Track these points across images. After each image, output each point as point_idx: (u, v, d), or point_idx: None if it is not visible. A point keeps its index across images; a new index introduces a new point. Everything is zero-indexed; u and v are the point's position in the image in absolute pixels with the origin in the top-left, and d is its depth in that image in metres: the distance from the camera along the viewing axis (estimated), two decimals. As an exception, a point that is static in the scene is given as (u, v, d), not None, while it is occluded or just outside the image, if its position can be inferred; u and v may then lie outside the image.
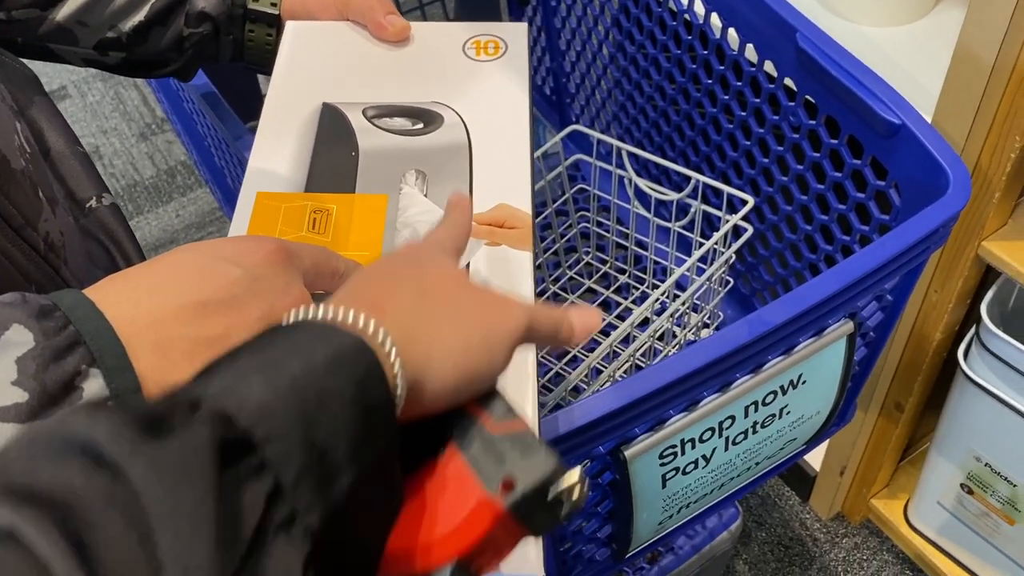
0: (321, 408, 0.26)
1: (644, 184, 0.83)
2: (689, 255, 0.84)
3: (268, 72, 0.60)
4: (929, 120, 0.76)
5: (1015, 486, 0.92)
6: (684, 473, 0.61)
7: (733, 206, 0.78)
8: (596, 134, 0.85)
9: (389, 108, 0.55)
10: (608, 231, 0.92)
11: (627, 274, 0.92)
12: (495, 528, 0.31)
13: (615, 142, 0.84)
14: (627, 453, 0.56)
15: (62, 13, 0.57)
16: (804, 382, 0.62)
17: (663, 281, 0.88)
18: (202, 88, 0.70)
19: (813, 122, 0.68)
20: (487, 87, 0.57)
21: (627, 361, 0.76)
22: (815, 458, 1.15)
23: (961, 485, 0.98)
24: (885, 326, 0.67)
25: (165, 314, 0.33)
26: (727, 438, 0.61)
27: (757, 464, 0.67)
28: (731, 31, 0.73)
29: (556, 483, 0.31)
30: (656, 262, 0.89)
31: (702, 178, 0.79)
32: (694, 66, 0.79)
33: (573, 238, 0.94)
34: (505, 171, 0.52)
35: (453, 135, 0.54)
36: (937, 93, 0.75)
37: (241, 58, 0.62)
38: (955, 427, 0.95)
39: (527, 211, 0.51)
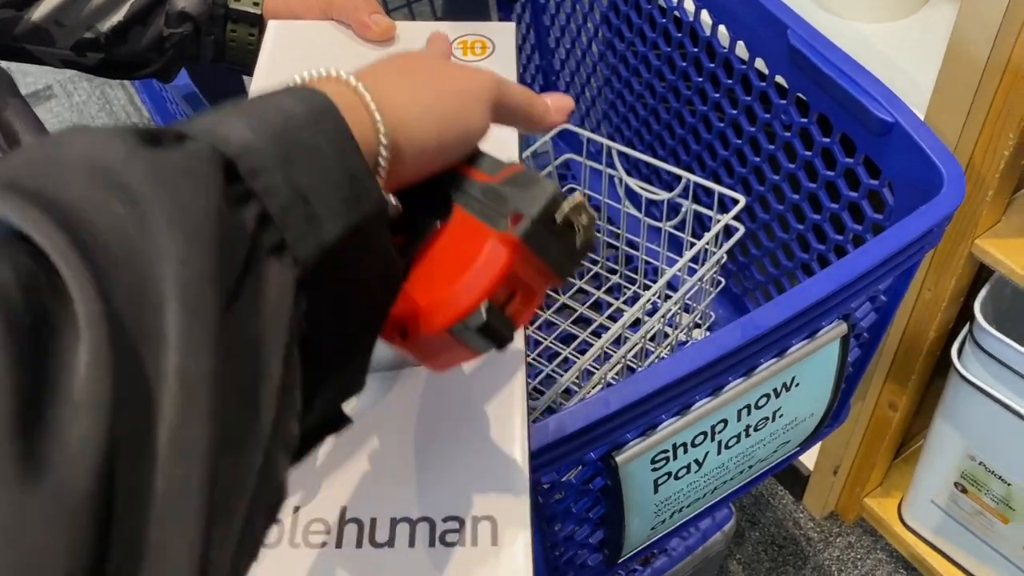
0: (302, 156, 0.27)
1: (634, 183, 0.83)
2: (680, 255, 0.83)
3: (251, 72, 0.59)
4: (922, 117, 0.76)
5: (1009, 485, 0.92)
6: (676, 478, 0.60)
7: (724, 205, 0.77)
8: (586, 133, 0.84)
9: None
10: (599, 231, 0.91)
11: (618, 274, 0.92)
12: (514, 263, 0.32)
13: (605, 141, 0.83)
14: (618, 459, 0.55)
15: (38, 13, 0.56)
16: (797, 384, 0.61)
17: (655, 281, 0.88)
18: (184, 89, 0.69)
19: (805, 120, 0.68)
20: (474, 87, 0.55)
21: (618, 363, 0.75)
22: (809, 457, 1.15)
23: (955, 484, 0.98)
24: (879, 327, 0.66)
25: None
26: (720, 442, 0.60)
27: (751, 467, 0.67)
28: (721, 28, 0.72)
29: (560, 205, 0.32)
30: (647, 262, 0.88)
31: (693, 177, 0.78)
32: (684, 63, 0.78)
33: (563, 238, 0.93)
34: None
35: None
36: (930, 89, 0.74)
37: (223, 58, 0.61)
38: (949, 426, 0.95)
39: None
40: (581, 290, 0.92)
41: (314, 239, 0.27)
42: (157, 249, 0.23)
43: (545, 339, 0.88)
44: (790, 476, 1.20)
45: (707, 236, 0.75)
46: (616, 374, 0.78)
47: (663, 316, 0.76)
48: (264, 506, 0.26)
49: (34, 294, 0.21)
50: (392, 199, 0.34)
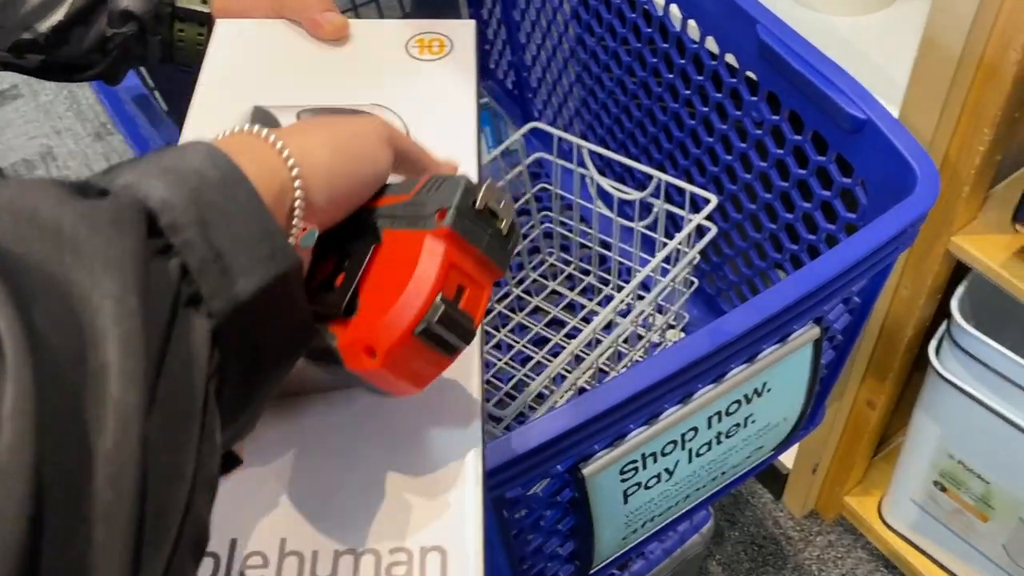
0: (216, 217, 0.28)
1: (606, 183, 0.81)
2: (654, 254, 0.81)
3: (203, 73, 0.56)
4: (897, 112, 0.74)
5: (988, 483, 0.91)
6: (646, 488, 0.58)
7: (696, 205, 0.76)
8: (556, 132, 0.82)
9: (325, 111, 0.52)
10: (572, 231, 0.89)
11: (591, 275, 0.90)
12: (452, 252, 0.33)
13: (576, 140, 0.81)
14: (585, 471, 0.53)
15: None
16: (769, 390, 0.59)
17: (628, 281, 0.86)
18: (133, 91, 0.67)
19: (776, 118, 0.66)
20: (431, 88, 0.53)
21: (591, 367, 0.74)
22: (788, 456, 1.14)
23: (934, 483, 0.97)
24: (853, 329, 0.65)
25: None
26: (690, 450, 0.58)
27: (723, 474, 0.65)
28: (691, 23, 0.70)
29: (477, 192, 0.34)
30: (620, 262, 0.87)
31: (664, 176, 0.76)
32: (655, 59, 0.76)
33: (536, 238, 0.91)
34: (450, 177, 0.49)
35: (394, 139, 0.51)
36: (905, 83, 0.73)
37: (171, 59, 0.59)
38: (927, 424, 0.94)
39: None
40: (554, 291, 0.90)
41: (228, 295, 0.28)
42: (92, 286, 0.24)
43: (518, 342, 0.86)
44: (769, 475, 1.19)
45: (679, 237, 0.74)
46: (589, 377, 0.76)
47: (636, 318, 0.75)
48: (190, 545, 0.25)
49: None
50: (312, 228, 0.35)
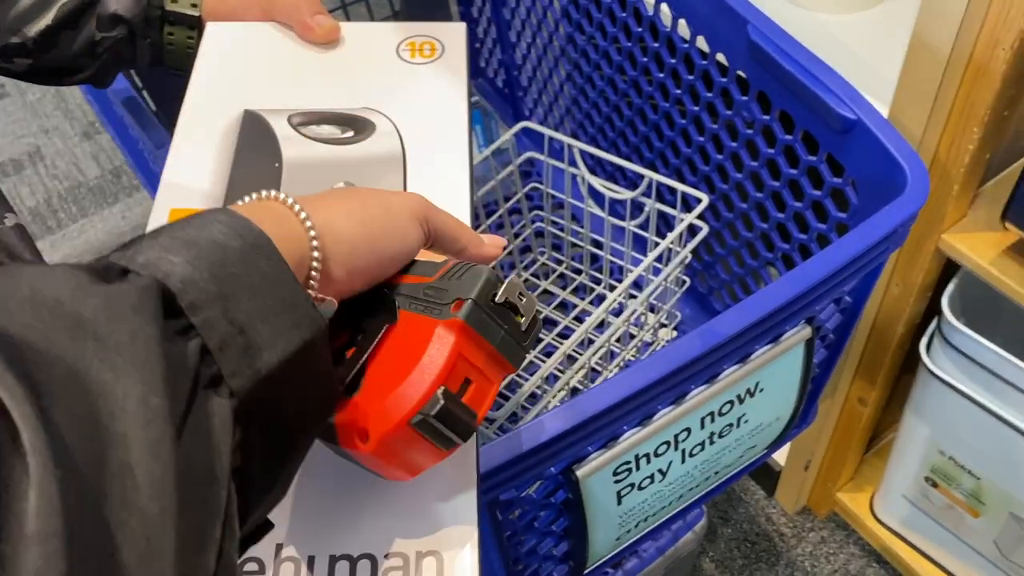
0: (238, 291, 0.28)
1: (597, 182, 0.81)
2: (646, 253, 0.81)
3: (192, 76, 0.56)
4: (887, 111, 0.74)
5: (979, 479, 0.91)
6: (640, 488, 0.58)
7: (688, 204, 0.76)
8: (547, 131, 0.82)
9: (316, 115, 0.52)
10: (563, 230, 0.89)
11: (583, 274, 0.90)
12: (462, 345, 0.32)
13: (567, 139, 0.81)
14: (579, 472, 0.53)
15: None
16: (762, 390, 0.59)
17: (620, 281, 0.86)
18: (122, 94, 0.66)
19: (767, 117, 0.66)
20: (422, 92, 0.53)
21: (583, 366, 0.74)
22: (780, 453, 1.14)
23: (925, 478, 0.97)
24: (844, 328, 0.65)
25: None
26: (683, 451, 0.59)
27: (716, 473, 0.65)
28: (682, 22, 0.70)
29: (498, 286, 0.33)
30: (612, 261, 0.87)
31: (655, 176, 0.76)
32: (645, 59, 0.76)
33: (528, 238, 0.91)
34: (442, 182, 0.49)
35: (386, 144, 0.51)
36: (895, 82, 0.73)
37: (161, 62, 0.58)
38: (918, 421, 0.94)
39: (466, 225, 0.48)
40: (546, 291, 0.90)
41: (250, 371, 0.28)
42: (115, 381, 0.24)
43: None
44: (762, 472, 1.19)
45: (671, 236, 0.74)
46: (582, 377, 0.76)
47: (628, 317, 0.75)
48: None
49: None
50: (329, 299, 0.34)
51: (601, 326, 0.81)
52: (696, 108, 0.73)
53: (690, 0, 0.68)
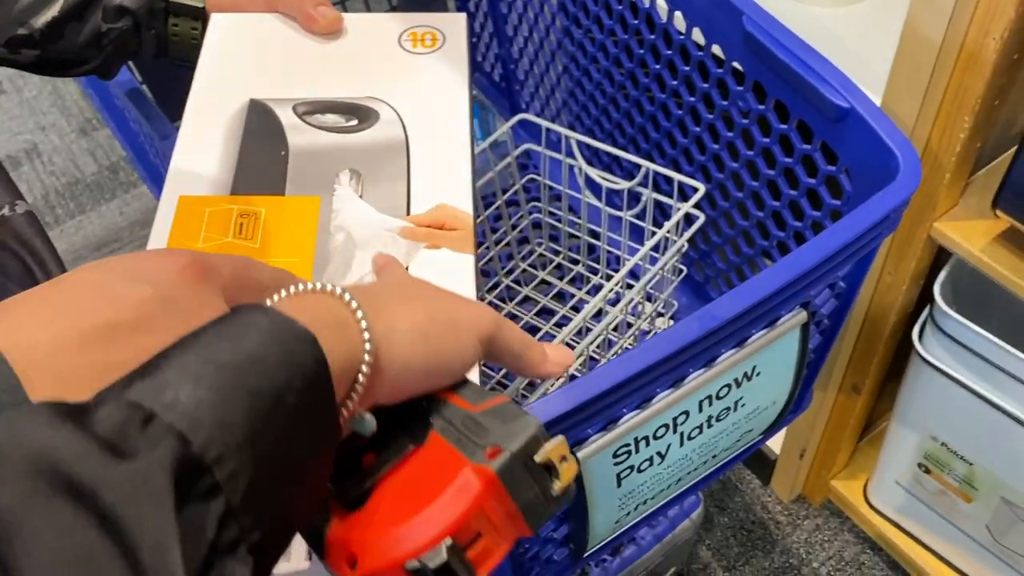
0: (271, 417, 0.26)
1: (594, 173, 0.82)
2: (642, 243, 0.82)
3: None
4: (879, 100, 0.75)
5: (971, 465, 0.92)
6: (639, 471, 0.59)
7: (684, 193, 0.77)
8: (544, 123, 0.83)
9: (321, 104, 0.52)
10: (560, 221, 0.90)
11: (580, 264, 0.91)
12: (485, 498, 0.29)
13: (564, 131, 0.82)
14: (579, 455, 0.54)
15: None
16: (758, 374, 0.60)
17: (617, 270, 0.87)
18: (126, 85, 0.67)
19: (762, 107, 0.67)
20: (424, 81, 0.54)
21: (581, 354, 0.75)
22: (775, 441, 1.15)
23: (919, 465, 0.99)
24: (839, 313, 0.66)
25: (68, 341, 0.29)
26: (682, 433, 0.60)
27: (714, 457, 0.66)
28: (678, 14, 0.71)
29: (541, 445, 0.31)
30: (609, 251, 0.88)
31: (652, 166, 0.77)
32: (641, 51, 0.77)
33: (525, 229, 0.92)
34: (445, 169, 0.50)
35: (389, 132, 0.52)
36: (887, 72, 0.74)
37: (165, 54, 0.59)
38: (911, 408, 0.95)
39: (468, 211, 0.49)
40: (544, 281, 0.91)
41: (267, 516, 0.26)
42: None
43: (508, 331, 0.87)
44: (757, 460, 1.20)
45: (667, 225, 0.75)
46: (579, 365, 0.77)
47: (625, 306, 0.76)
48: None
49: None
50: (368, 416, 0.32)
51: (598, 315, 0.82)
52: (692, 99, 0.74)
53: (686, -8, 0.69)
